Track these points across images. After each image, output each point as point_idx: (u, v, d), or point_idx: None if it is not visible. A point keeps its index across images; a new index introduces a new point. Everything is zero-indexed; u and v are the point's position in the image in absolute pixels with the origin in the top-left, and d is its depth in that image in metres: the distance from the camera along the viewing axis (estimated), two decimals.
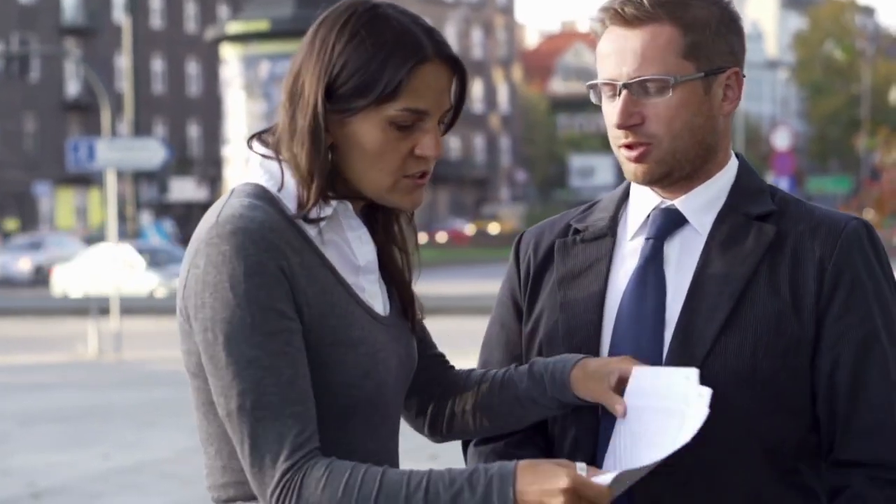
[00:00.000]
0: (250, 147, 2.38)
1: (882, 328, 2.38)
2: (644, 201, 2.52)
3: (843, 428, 2.37)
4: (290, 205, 2.30)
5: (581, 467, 2.12)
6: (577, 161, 79.92)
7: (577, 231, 2.58)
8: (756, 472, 2.36)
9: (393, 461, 2.37)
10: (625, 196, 2.58)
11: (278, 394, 2.19)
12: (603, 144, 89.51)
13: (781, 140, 50.78)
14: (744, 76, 2.50)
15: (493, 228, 63.90)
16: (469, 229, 65.50)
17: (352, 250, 2.35)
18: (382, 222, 2.44)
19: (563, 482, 2.09)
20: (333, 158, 2.30)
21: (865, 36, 72.99)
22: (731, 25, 2.45)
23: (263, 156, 2.34)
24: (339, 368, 2.27)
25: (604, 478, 2.13)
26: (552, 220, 2.66)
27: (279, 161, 2.31)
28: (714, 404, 2.21)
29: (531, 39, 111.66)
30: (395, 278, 2.46)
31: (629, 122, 2.41)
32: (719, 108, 2.46)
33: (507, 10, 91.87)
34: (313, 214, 2.30)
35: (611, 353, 2.44)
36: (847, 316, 2.37)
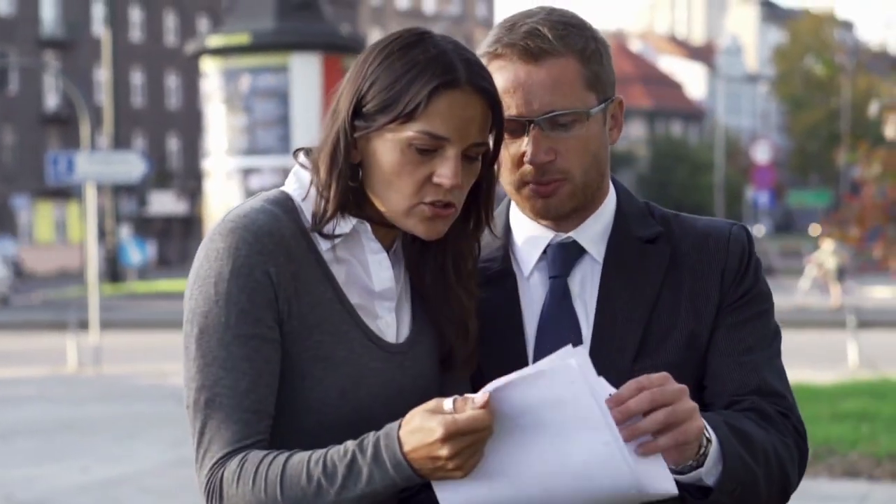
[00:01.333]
0: (295, 157, 2.40)
1: (770, 313, 2.47)
2: (533, 235, 2.49)
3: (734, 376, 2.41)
4: (309, 215, 2.31)
5: (447, 402, 2.07)
6: None
7: None
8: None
9: None
10: (506, 230, 2.53)
11: (233, 397, 2.21)
12: None
13: (762, 154, 50.98)
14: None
15: None
16: None
17: (368, 273, 2.35)
18: (455, 262, 2.41)
19: (438, 433, 2.05)
20: (362, 177, 2.31)
21: (845, 50, 73.25)
22: (609, 55, 2.46)
23: (301, 165, 2.36)
24: (317, 385, 2.27)
25: (477, 397, 2.06)
26: None
27: (311, 173, 2.34)
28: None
29: None
30: (439, 313, 2.42)
31: (544, 159, 2.37)
32: (608, 136, 2.46)
33: (487, 24, 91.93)
34: (328, 229, 2.30)
35: None
36: (743, 309, 2.43)
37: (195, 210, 64.87)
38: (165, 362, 19.44)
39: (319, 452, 2.16)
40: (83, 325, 21.08)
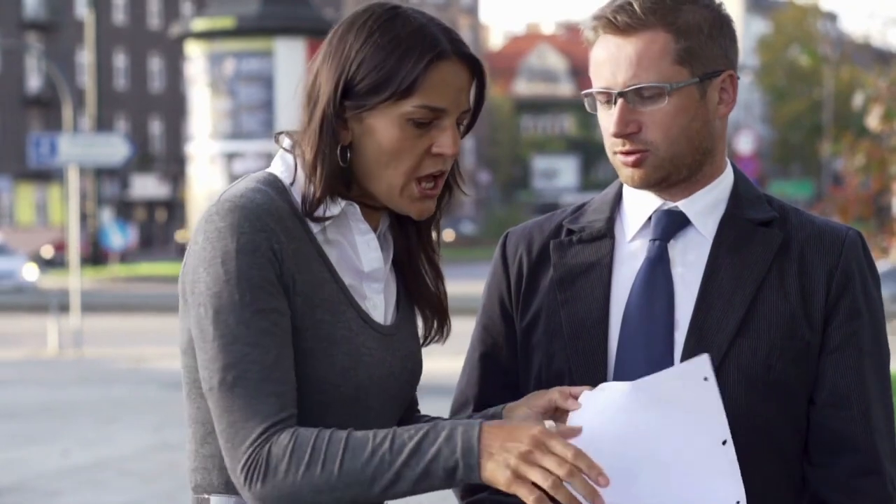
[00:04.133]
0: (277, 141, 2.40)
1: (871, 335, 2.44)
2: (642, 203, 2.51)
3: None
4: (299, 198, 2.32)
5: (550, 425, 2.12)
6: (540, 162, 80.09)
7: (570, 232, 2.55)
8: (765, 475, 2.37)
9: None
10: (618, 198, 2.57)
11: (261, 371, 2.19)
12: (566, 146, 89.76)
13: (745, 144, 51.02)
14: (738, 78, 2.50)
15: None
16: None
17: (357, 255, 2.36)
18: (410, 234, 2.44)
19: (530, 430, 2.09)
20: (351, 158, 2.32)
21: (829, 41, 73.34)
22: (723, 29, 2.45)
23: (285, 149, 2.37)
24: (318, 363, 2.26)
25: (568, 429, 2.13)
26: (538, 222, 2.63)
27: (295, 156, 2.34)
28: (727, 407, 2.22)
29: (495, 40, 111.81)
30: (418, 292, 2.46)
31: (626, 131, 2.40)
32: (715, 111, 2.46)
33: (472, 11, 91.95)
34: (318, 212, 2.30)
35: (619, 354, 2.43)
36: (850, 323, 2.41)
37: (177, 194, 64.81)
38: (147, 346, 19.41)
39: (385, 430, 2.16)
40: (64, 307, 21.03)
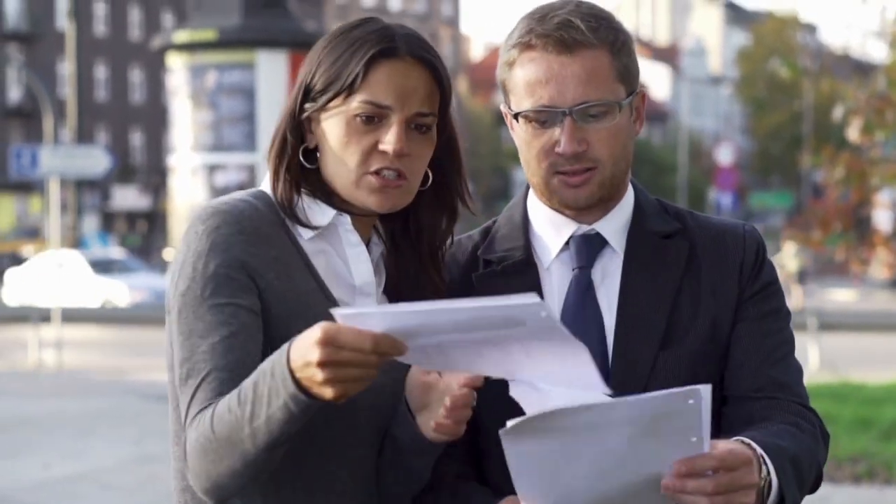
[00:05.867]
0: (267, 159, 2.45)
1: (785, 310, 2.55)
2: (555, 227, 2.53)
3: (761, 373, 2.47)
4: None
5: (333, 327, 2.00)
6: (521, 174, 79.92)
7: (488, 262, 2.54)
8: None
9: (366, 471, 2.37)
10: (525, 223, 2.57)
11: (209, 360, 2.21)
12: None
13: (724, 156, 51.11)
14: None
15: None
16: None
17: (348, 267, 2.38)
18: (408, 248, 2.46)
19: (316, 335, 1.99)
20: (320, 161, 2.37)
21: (808, 53, 73.51)
22: (633, 48, 2.50)
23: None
24: None
25: (360, 316, 2.01)
26: (450, 252, 2.58)
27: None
28: None
29: (476, 52, 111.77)
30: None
31: (578, 149, 2.41)
32: (634, 129, 2.52)
33: (453, 22, 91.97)
34: (301, 216, 2.33)
35: None
36: (761, 303, 2.50)
37: (158, 205, 64.61)
38: (127, 357, 19.36)
39: (240, 386, 2.13)
40: (44, 318, 20.98)
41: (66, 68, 49.15)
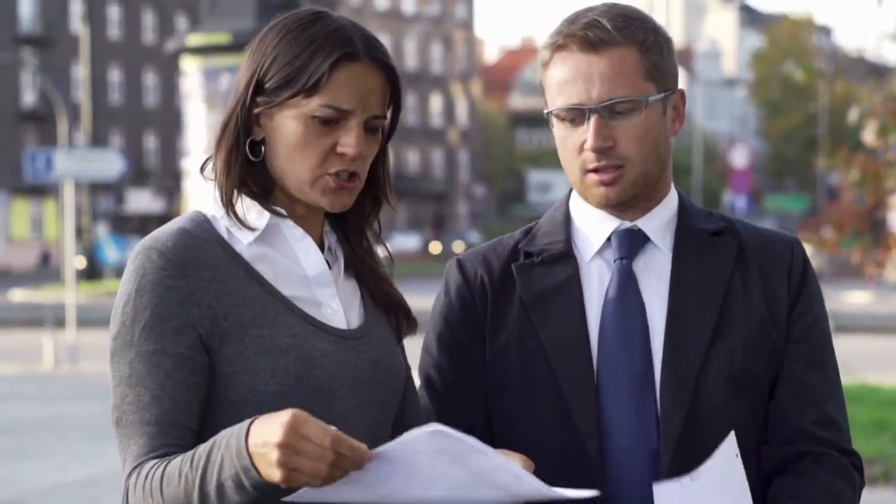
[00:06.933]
0: (202, 173, 2.45)
1: (826, 328, 2.57)
2: (598, 223, 2.56)
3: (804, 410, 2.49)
4: (224, 222, 2.35)
5: (323, 426, 2.01)
6: (535, 176, 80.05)
7: (529, 254, 2.58)
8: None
9: None
10: (567, 221, 2.61)
11: (136, 412, 2.25)
12: None
13: (739, 158, 51.09)
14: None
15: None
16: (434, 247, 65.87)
17: (298, 262, 2.37)
18: (352, 238, 2.47)
19: (283, 417, 2.01)
20: (265, 155, 2.36)
21: (823, 55, 73.41)
22: (671, 48, 2.54)
23: (207, 178, 2.41)
24: (271, 377, 2.27)
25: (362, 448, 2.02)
26: (489, 246, 2.63)
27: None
28: (709, 410, 2.36)
29: (491, 54, 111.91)
30: (373, 292, 2.48)
31: (604, 145, 2.44)
32: (670, 128, 2.54)
33: (467, 25, 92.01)
34: (240, 213, 2.34)
35: (600, 369, 2.46)
36: (806, 316, 2.52)
37: (172, 208, 64.73)
38: None
39: (194, 449, 2.15)
40: (59, 322, 21.01)
41: (81, 72, 49.32)
